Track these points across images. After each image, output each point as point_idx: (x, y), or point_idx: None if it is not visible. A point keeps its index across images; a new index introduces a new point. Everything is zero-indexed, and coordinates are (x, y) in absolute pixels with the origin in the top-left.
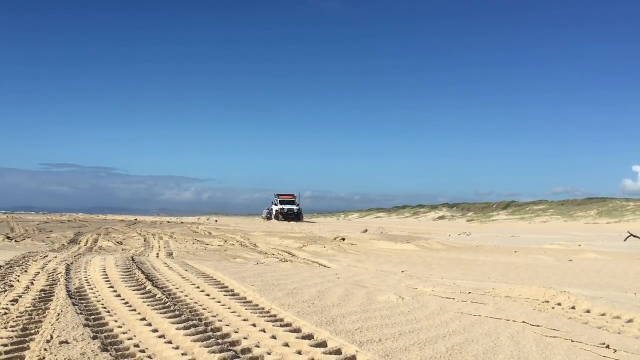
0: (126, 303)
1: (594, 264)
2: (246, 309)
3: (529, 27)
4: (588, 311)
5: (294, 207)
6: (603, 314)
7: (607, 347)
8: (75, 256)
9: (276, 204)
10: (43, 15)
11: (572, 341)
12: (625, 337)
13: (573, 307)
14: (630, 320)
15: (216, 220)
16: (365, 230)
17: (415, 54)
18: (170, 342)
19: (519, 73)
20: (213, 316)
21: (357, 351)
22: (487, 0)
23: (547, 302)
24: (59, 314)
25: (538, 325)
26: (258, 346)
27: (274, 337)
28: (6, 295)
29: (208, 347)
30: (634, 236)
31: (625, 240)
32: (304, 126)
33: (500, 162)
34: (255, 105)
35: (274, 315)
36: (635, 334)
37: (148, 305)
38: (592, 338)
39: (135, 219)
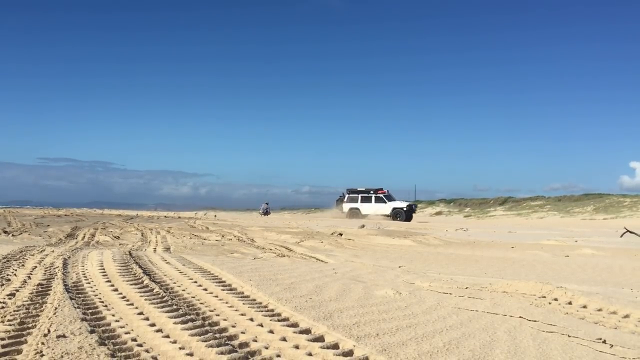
0: (124, 297)
1: (591, 259)
2: (244, 303)
3: (528, 26)
4: (585, 307)
5: (411, 204)
6: (600, 310)
7: (604, 342)
8: (72, 250)
9: (367, 200)
10: (41, 14)
11: (569, 336)
12: (621, 333)
13: (570, 303)
14: (626, 316)
15: (215, 216)
16: (363, 226)
17: (415, 52)
18: (167, 337)
19: (518, 70)
20: (211, 310)
21: (354, 345)
22: None
23: (544, 297)
24: (56, 308)
25: (535, 321)
26: (256, 340)
27: (271, 331)
28: (3, 290)
29: (206, 341)
30: (631, 232)
31: (621, 236)
32: (302, 122)
33: (498, 158)
34: (253, 102)
35: (272, 310)
36: (632, 329)
37: (145, 299)
38: (588, 333)
39: (136, 214)
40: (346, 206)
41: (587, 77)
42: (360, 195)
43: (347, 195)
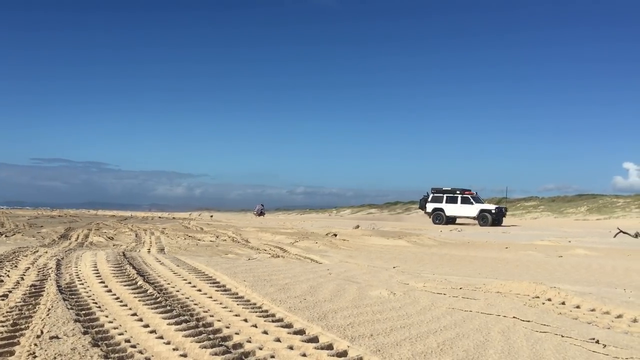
0: (117, 298)
1: (584, 260)
2: (238, 304)
3: (522, 28)
4: (578, 307)
5: (500, 207)
6: (593, 310)
7: (597, 342)
8: (66, 251)
9: (453, 201)
10: (33, 14)
11: (562, 336)
12: (614, 333)
13: (563, 303)
14: (619, 316)
15: (211, 216)
16: (357, 226)
17: (411, 51)
18: (161, 338)
19: (511, 71)
20: (205, 312)
21: (348, 346)
22: None
23: (538, 297)
24: (49, 309)
25: (528, 321)
26: (250, 341)
27: (265, 332)
28: None
29: (200, 342)
30: (624, 232)
31: (614, 236)
32: (298, 123)
33: (493, 159)
34: (248, 102)
35: (266, 311)
36: (624, 329)
37: (139, 300)
38: (581, 333)
39: (131, 215)
40: (430, 206)
41: (580, 78)
42: (445, 195)
43: (431, 195)
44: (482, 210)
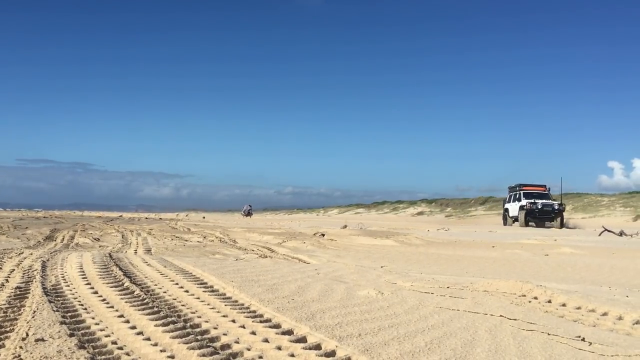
0: (104, 300)
1: (570, 258)
2: (226, 305)
3: (509, 28)
4: (564, 305)
5: (552, 202)
6: (578, 308)
7: (583, 339)
8: (51, 253)
9: (516, 199)
10: (19, 13)
11: (549, 334)
12: (600, 330)
13: (549, 301)
14: (604, 314)
15: (204, 217)
16: (345, 226)
17: (401, 51)
18: (148, 339)
19: (499, 71)
20: (192, 312)
21: (337, 346)
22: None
23: (524, 296)
24: (34, 312)
25: (515, 319)
26: (238, 342)
27: (253, 333)
28: None
29: (187, 343)
30: (609, 231)
31: (600, 235)
32: (285, 123)
33: (480, 158)
34: (236, 102)
35: (254, 311)
36: (610, 327)
37: (126, 302)
38: (567, 331)
39: (121, 215)
40: (506, 207)
41: (566, 78)
42: (512, 194)
43: (508, 195)
44: (520, 208)
